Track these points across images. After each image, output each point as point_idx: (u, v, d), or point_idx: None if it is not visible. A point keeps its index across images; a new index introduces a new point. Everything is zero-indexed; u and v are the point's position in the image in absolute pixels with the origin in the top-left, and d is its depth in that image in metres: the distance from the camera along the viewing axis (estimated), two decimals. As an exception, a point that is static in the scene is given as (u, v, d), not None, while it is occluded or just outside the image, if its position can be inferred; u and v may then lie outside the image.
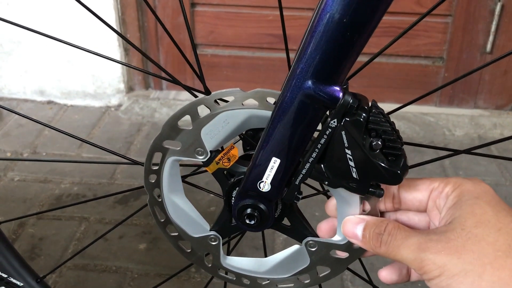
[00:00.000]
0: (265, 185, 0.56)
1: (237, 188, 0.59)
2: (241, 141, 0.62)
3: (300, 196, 0.56)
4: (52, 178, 1.74)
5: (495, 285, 0.44)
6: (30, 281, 0.78)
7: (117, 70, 2.12)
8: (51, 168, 1.78)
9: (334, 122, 0.49)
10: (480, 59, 2.00)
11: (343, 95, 0.48)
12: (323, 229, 0.61)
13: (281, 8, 0.61)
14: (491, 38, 1.94)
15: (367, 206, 0.56)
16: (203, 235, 0.64)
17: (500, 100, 2.08)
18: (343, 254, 0.61)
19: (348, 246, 0.59)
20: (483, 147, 0.63)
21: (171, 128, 0.57)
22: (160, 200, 0.63)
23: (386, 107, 0.56)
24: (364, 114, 0.48)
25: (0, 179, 1.74)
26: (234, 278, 0.67)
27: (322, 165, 0.52)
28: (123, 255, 1.44)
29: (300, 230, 0.62)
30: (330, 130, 0.50)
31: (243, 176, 0.58)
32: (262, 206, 0.58)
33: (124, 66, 2.11)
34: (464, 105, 2.10)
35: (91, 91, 2.17)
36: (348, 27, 0.45)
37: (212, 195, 0.78)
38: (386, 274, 0.58)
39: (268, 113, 0.53)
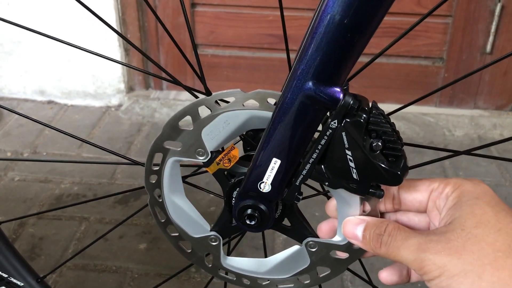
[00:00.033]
0: (265, 186, 0.56)
1: (237, 189, 0.59)
2: (241, 142, 0.62)
3: (301, 197, 0.56)
4: (53, 178, 1.74)
5: (495, 285, 0.44)
6: (31, 281, 0.78)
7: (118, 70, 2.13)
8: (52, 168, 1.78)
9: (335, 123, 0.49)
10: (480, 59, 2.00)
11: (344, 96, 0.48)
12: (323, 229, 0.61)
13: (281, 9, 0.61)
14: (491, 38, 1.95)
15: (367, 207, 0.56)
16: (204, 235, 0.64)
17: (500, 101, 2.09)
18: (343, 255, 0.61)
19: (348, 247, 0.60)
20: (483, 148, 0.63)
21: (172, 129, 0.57)
22: (160, 200, 0.63)
23: (386, 107, 0.56)
24: (364, 115, 0.48)
25: (1, 178, 1.74)
26: (234, 279, 0.67)
27: (322, 166, 0.53)
28: (123, 255, 1.44)
29: (300, 230, 0.62)
30: (330, 131, 0.50)
31: (243, 177, 0.58)
32: (262, 206, 0.58)
33: (125, 66, 2.11)
34: (464, 105, 2.11)
35: (91, 91, 2.17)
36: (348, 29, 0.45)
37: (212, 195, 0.78)
38: (386, 275, 0.58)
39: (269, 114, 0.53)
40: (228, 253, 0.74)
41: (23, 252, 1.38)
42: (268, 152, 0.53)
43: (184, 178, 0.64)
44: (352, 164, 0.51)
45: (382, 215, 0.58)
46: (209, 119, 0.56)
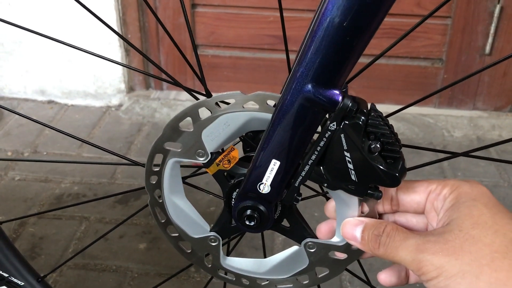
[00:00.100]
0: (265, 187, 0.56)
1: (237, 190, 0.59)
2: (241, 143, 0.63)
3: (300, 198, 0.57)
4: (53, 178, 1.75)
5: (493, 286, 0.45)
6: (31, 281, 0.78)
7: (118, 70, 2.13)
8: (52, 167, 1.79)
9: (334, 125, 0.50)
10: (479, 61, 2.00)
11: (343, 99, 0.48)
12: (322, 230, 0.61)
13: (281, 10, 0.62)
14: (490, 40, 1.95)
15: (366, 208, 0.56)
16: (203, 235, 0.64)
17: (498, 102, 2.09)
18: (341, 255, 0.61)
19: (346, 248, 0.60)
20: (481, 149, 0.63)
21: (172, 130, 0.58)
22: (160, 201, 0.63)
23: (386, 108, 0.57)
24: (363, 117, 0.49)
25: (1, 178, 1.74)
26: (234, 279, 0.67)
27: (321, 167, 0.53)
28: (123, 255, 1.44)
29: (299, 231, 0.62)
30: (329, 133, 0.50)
31: (243, 178, 0.58)
32: (262, 207, 0.58)
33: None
34: (463, 106, 2.11)
35: (91, 91, 2.17)
36: (348, 32, 0.45)
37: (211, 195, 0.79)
38: (385, 277, 0.58)
39: (268, 116, 0.54)
40: (228, 253, 0.75)
41: (23, 251, 1.39)
42: (268, 154, 0.54)
43: (184, 178, 0.64)
44: (350, 166, 0.51)
45: (380, 216, 0.58)
46: (209, 120, 0.56)
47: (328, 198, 0.61)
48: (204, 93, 0.60)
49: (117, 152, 0.77)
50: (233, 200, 0.60)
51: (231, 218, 0.62)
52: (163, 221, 0.64)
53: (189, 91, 0.65)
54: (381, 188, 0.53)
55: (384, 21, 0.46)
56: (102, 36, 2.03)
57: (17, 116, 2.07)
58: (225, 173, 0.60)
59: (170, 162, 0.60)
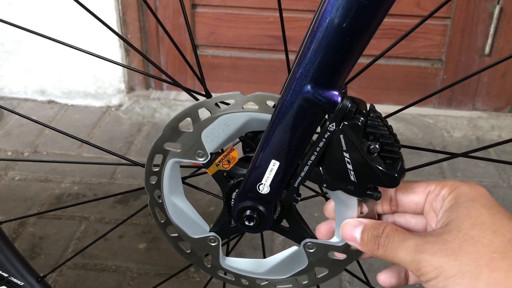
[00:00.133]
0: (264, 187, 0.56)
1: (236, 190, 0.60)
2: (241, 144, 0.63)
3: (299, 198, 0.57)
4: (53, 178, 1.75)
5: (491, 286, 0.45)
6: (31, 281, 0.78)
7: (118, 70, 2.13)
8: (52, 167, 1.79)
9: (333, 125, 0.50)
10: (479, 61, 2.01)
11: (342, 100, 0.48)
12: (321, 231, 0.61)
13: (280, 10, 0.62)
14: (489, 40, 1.95)
15: (365, 209, 0.56)
16: (203, 236, 0.65)
17: (498, 102, 2.09)
18: (341, 256, 0.61)
19: (346, 248, 0.60)
20: (481, 150, 0.63)
21: (172, 131, 0.58)
22: (160, 201, 0.63)
23: (385, 108, 0.57)
24: (362, 118, 0.49)
25: (1, 178, 1.74)
26: (233, 279, 0.67)
27: (320, 168, 0.53)
28: (123, 255, 1.44)
29: (299, 231, 0.62)
30: (328, 133, 0.50)
31: (242, 178, 0.58)
32: (261, 208, 0.58)
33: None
34: (462, 107, 2.11)
35: (91, 91, 2.17)
36: (347, 33, 0.46)
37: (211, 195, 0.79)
38: (384, 278, 0.58)
39: (268, 116, 0.54)
40: (227, 254, 0.75)
41: (23, 251, 1.39)
42: (267, 154, 0.54)
43: (183, 179, 0.64)
44: (350, 166, 0.51)
45: (379, 216, 0.58)
46: (209, 121, 0.56)
47: (327, 199, 0.61)
48: (204, 93, 0.61)
49: (117, 152, 0.77)
50: (232, 200, 0.60)
51: (231, 219, 0.63)
52: (162, 221, 0.65)
53: (189, 91, 0.65)
54: (380, 188, 0.53)
55: (383, 21, 0.47)
56: (102, 36, 2.03)
57: (17, 116, 2.07)
58: (225, 174, 0.60)
59: (169, 163, 0.60)
